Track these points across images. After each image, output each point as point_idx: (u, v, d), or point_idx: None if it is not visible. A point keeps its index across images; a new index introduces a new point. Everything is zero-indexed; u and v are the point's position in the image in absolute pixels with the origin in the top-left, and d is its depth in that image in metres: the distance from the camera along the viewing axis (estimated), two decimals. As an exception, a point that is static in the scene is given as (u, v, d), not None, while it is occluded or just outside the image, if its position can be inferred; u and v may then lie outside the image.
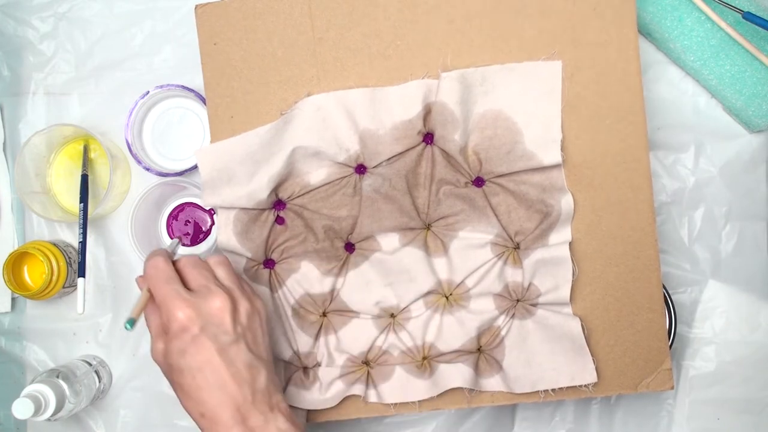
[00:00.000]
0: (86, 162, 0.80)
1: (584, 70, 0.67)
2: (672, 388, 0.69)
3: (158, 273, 0.59)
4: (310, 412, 0.71)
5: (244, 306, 0.59)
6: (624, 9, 0.67)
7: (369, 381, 0.69)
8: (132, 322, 0.57)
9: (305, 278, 0.70)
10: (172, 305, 0.57)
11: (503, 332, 0.69)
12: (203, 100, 0.77)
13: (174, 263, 0.61)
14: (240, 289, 0.61)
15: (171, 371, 0.58)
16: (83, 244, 0.76)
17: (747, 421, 0.79)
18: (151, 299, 0.60)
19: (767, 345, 0.80)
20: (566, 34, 0.67)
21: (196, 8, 0.69)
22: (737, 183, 0.80)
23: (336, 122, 0.67)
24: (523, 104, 0.67)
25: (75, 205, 0.80)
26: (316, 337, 0.70)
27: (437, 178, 0.68)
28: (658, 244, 0.68)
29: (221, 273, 0.61)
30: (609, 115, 0.68)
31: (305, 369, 0.71)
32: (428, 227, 0.70)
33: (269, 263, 0.71)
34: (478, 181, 0.69)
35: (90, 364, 0.79)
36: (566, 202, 0.67)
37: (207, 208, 0.80)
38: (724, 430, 0.79)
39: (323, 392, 0.69)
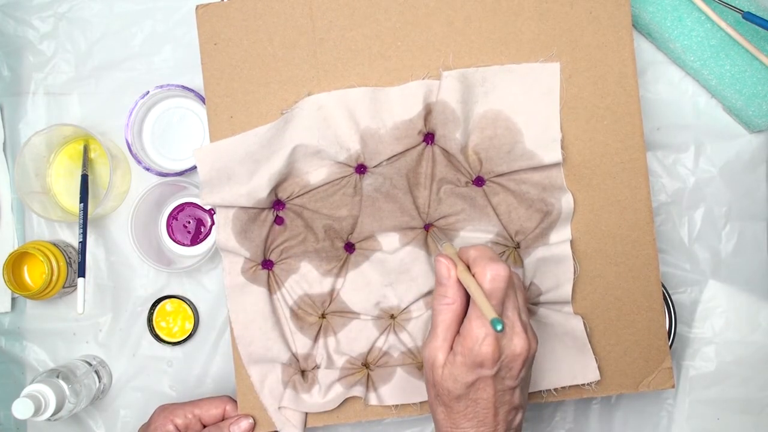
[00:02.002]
0: (86, 162, 0.80)
1: (582, 71, 0.68)
2: (672, 386, 0.69)
3: (502, 288, 0.55)
4: (309, 416, 0.71)
5: (533, 350, 0.57)
6: (619, 12, 0.68)
7: (369, 383, 0.69)
8: (501, 323, 0.51)
9: (304, 279, 0.70)
10: (482, 334, 0.54)
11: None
12: (203, 100, 0.77)
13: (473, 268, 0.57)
14: (531, 329, 0.58)
15: (442, 385, 0.57)
16: (83, 244, 0.76)
17: (747, 421, 0.79)
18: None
19: (767, 345, 0.80)
20: (564, 36, 0.68)
21: (196, 8, 0.69)
22: (737, 183, 0.80)
23: (337, 121, 0.67)
24: (522, 105, 0.67)
25: (75, 205, 0.80)
26: (315, 339, 0.70)
27: (438, 177, 0.69)
28: (656, 244, 0.69)
29: (521, 302, 0.58)
30: (606, 116, 0.68)
31: (303, 372, 0.70)
32: (429, 227, 0.70)
33: (268, 264, 0.71)
34: (479, 181, 0.69)
35: (90, 364, 0.79)
36: (566, 201, 0.67)
37: (206, 208, 0.80)
38: (724, 430, 0.80)
39: (322, 395, 0.69)
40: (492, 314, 0.51)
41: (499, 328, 0.50)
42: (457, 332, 0.57)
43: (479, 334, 0.54)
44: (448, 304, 0.57)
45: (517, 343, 0.56)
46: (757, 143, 0.80)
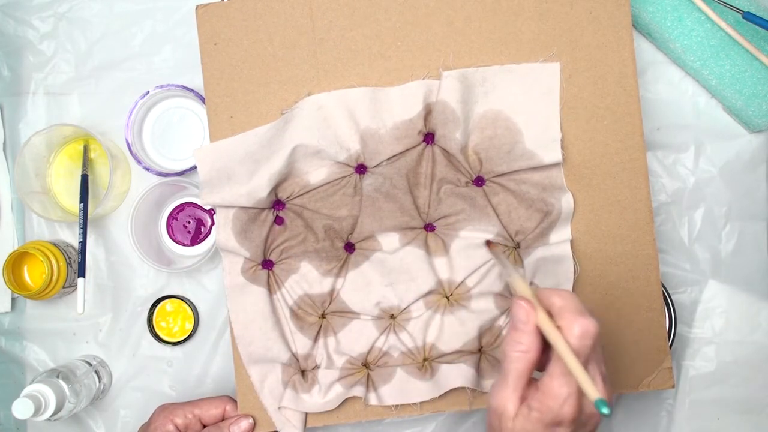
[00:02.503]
0: (86, 162, 0.80)
1: (582, 71, 0.68)
2: (673, 386, 0.69)
3: (590, 346, 0.50)
4: (309, 416, 0.71)
5: (611, 403, 0.52)
6: (619, 13, 0.68)
7: (369, 383, 0.69)
8: (607, 405, 0.47)
9: (304, 279, 0.70)
10: (565, 394, 0.50)
11: (504, 332, 0.69)
12: (203, 100, 0.77)
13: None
14: (608, 379, 0.54)
15: None
16: (83, 244, 0.76)
17: (747, 421, 0.79)
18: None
19: (767, 345, 0.80)
20: (564, 36, 0.68)
21: (196, 8, 0.69)
22: (737, 183, 0.80)
23: (337, 121, 0.67)
24: (522, 105, 0.67)
25: (75, 205, 0.80)
26: (315, 339, 0.70)
27: (438, 177, 0.69)
28: (656, 244, 0.69)
29: (600, 352, 0.53)
30: (606, 116, 0.68)
31: (303, 372, 0.70)
32: (429, 227, 0.70)
33: (268, 264, 0.71)
34: (479, 181, 0.69)
35: (90, 364, 0.79)
36: (566, 201, 0.68)
37: (206, 208, 0.80)
38: (724, 430, 0.80)
39: (322, 395, 0.69)
40: (596, 394, 0.47)
41: (605, 411, 0.46)
42: (528, 381, 0.53)
43: (561, 393, 0.50)
44: (523, 351, 0.52)
45: (594, 405, 0.50)
46: (757, 143, 0.80)
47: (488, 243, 0.68)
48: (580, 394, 0.51)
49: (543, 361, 0.54)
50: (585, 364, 0.50)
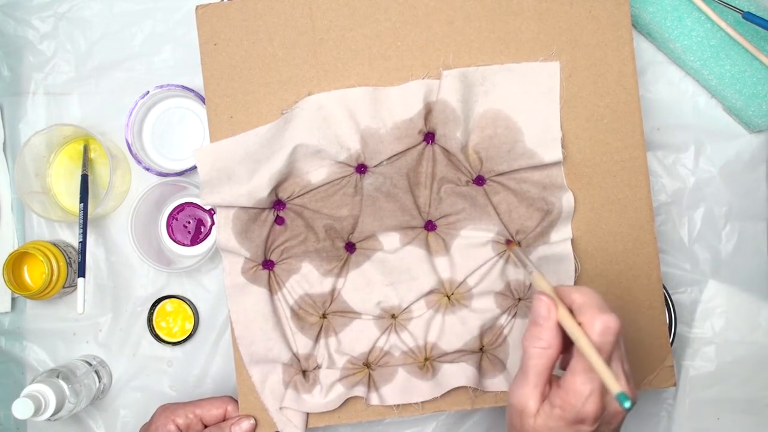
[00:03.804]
0: (86, 162, 0.80)
1: (581, 70, 0.68)
2: (674, 385, 0.69)
3: (612, 342, 0.50)
4: (310, 416, 0.71)
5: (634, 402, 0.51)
6: (619, 12, 0.68)
7: (370, 383, 0.69)
8: (629, 399, 0.46)
9: (305, 279, 0.70)
10: (588, 391, 0.50)
11: (506, 331, 0.69)
12: (203, 100, 0.77)
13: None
14: (632, 377, 0.53)
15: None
16: (83, 244, 0.76)
17: (747, 421, 0.79)
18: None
19: (767, 345, 0.80)
20: (563, 35, 0.68)
21: (196, 9, 0.69)
22: (737, 183, 0.80)
23: (337, 121, 0.67)
24: (522, 104, 0.68)
25: (75, 205, 0.80)
26: (316, 339, 0.70)
27: (438, 176, 0.69)
28: (657, 242, 0.69)
29: (623, 350, 0.53)
30: (606, 115, 0.68)
31: (305, 372, 0.70)
32: (429, 226, 0.70)
33: (268, 264, 0.71)
34: (479, 180, 0.69)
35: (90, 364, 0.79)
36: (567, 199, 0.68)
37: (206, 208, 0.80)
38: (724, 430, 0.80)
39: (324, 395, 0.69)
40: (617, 388, 0.46)
41: (627, 405, 0.46)
42: (550, 378, 0.53)
43: (584, 390, 0.50)
44: (544, 348, 0.52)
45: (617, 402, 0.50)
46: (757, 143, 0.80)
47: (508, 242, 0.68)
48: (603, 391, 0.50)
49: (565, 359, 0.54)
50: (607, 361, 0.50)
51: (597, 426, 0.51)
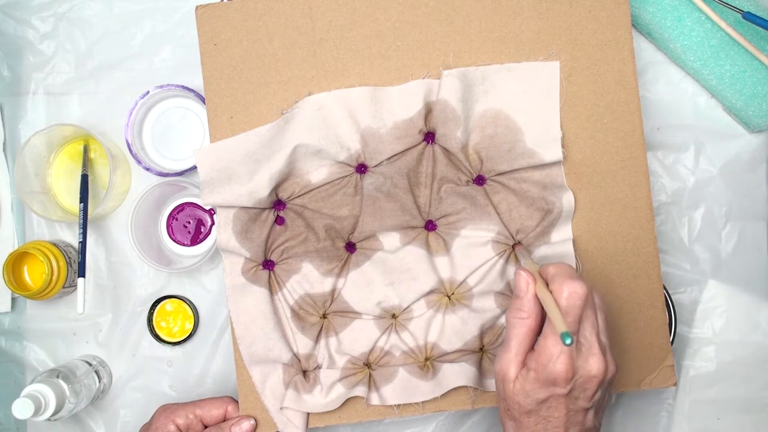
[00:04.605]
0: (86, 162, 0.80)
1: (581, 70, 0.68)
2: (675, 384, 0.69)
3: (578, 306, 0.54)
4: (310, 416, 0.71)
5: (610, 373, 0.57)
6: (618, 11, 0.68)
7: (371, 383, 0.69)
8: (570, 336, 0.51)
9: (305, 279, 0.70)
10: (557, 351, 0.54)
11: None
12: (203, 100, 0.77)
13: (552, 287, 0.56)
14: (611, 350, 0.57)
15: (513, 399, 0.57)
16: (83, 244, 0.76)
17: (747, 421, 0.79)
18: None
19: (767, 345, 0.80)
20: (563, 35, 0.68)
21: (196, 9, 0.69)
22: (737, 183, 0.80)
23: (337, 121, 0.67)
24: (522, 103, 0.68)
25: (75, 205, 0.80)
26: (317, 339, 0.70)
27: (438, 176, 0.69)
28: (657, 242, 0.69)
29: (601, 323, 0.57)
30: (606, 114, 0.68)
31: (305, 372, 0.70)
32: (430, 226, 0.70)
33: (269, 264, 0.71)
34: (480, 180, 0.69)
35: (90, 364, 0.79)
36: (567, 199, 0.68)
37: (207, 208, 0.80)
38: (724, 430, 0.80)
39: (324, 395, 0.69)
40: (563, 327, 0.51)
41: (568, 342, 0.50)
42: (530, 347, 0.57)
43: (554, 351, 0.54)
44: (523, 318, 0.57)
45: (593, 364, 0.55)
46: (757, 143, 0.80)
47: (514, 245, 0.69)
48: (574, 353, 0.54)
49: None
50: (575, 324, 0.54)
51: (571, 389, 0.55)
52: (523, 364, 0.56)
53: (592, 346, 0.55)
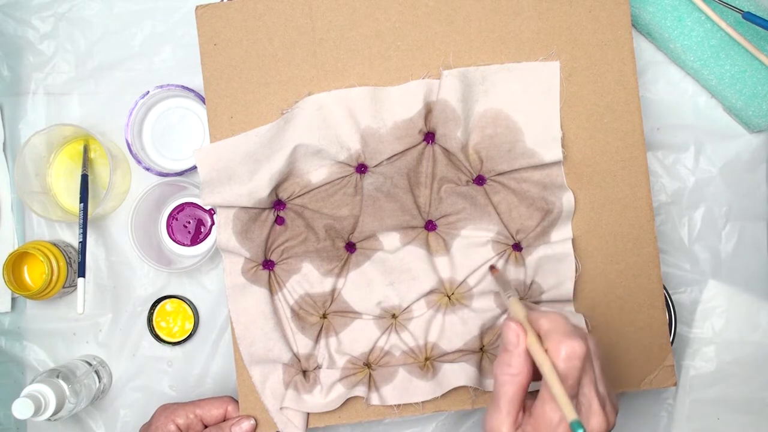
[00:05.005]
0: (86, 162, 0.80)
1: (581, 70, 0.68)
2: (675, 384, 0.69)
3: (578, 368, 0.50)
4: (310, 416, 0.71)
5: (611, 425, 0.52)
6: (618, 11, 0.68)
7: (371, 383, 0.69)
8: (582, 426, 0.47)
9: (306, 279, 0.70)
10: (557, 419, 0.50)
11: None
12: (203, 100, 0.77)
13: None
14: (610, 399, 0.53)
15: None
16: (83, 244, 0.76)
17: (747, 421, 0.79)
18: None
19: (767, 345, 0.80)
20: (563, 35, 0.68)
21: (196, 9, 0.69)
22: (737, 183, 0.80)
23: (337, 121, 0.67)
24: (522, 103, 0.68)
25: (75, 205, 0.80)
26: (317, 339, 0.70)
27: (438, 176, 0.69)
28: (657, 242, 0.69)
29: (598, 372, 0.52)
30: (606, 114, 0.68)
31: (305, 372, 0.70)
32: (430, 226, 0.70)
33: (269, 264, 0.71)
34: (480, 180, 0.69)
35: (90, 364, 0.79)
36: (567, 199, 0.68)
37: (207, 208, 0.80)
38: (724, 430, 0.80)
39: (324, 395, 0.69)
40: (573, 415, 0.47)
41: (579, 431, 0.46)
42: (522, 404, 0.52)
43: (553, 418, 0.50)
44: (513, 375, 0.52)
45: (594, 424, 0.51)
46: (757, 143, 0.80)
47: (492, 268, 0.68)
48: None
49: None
50: (575, 386, 0.50)
51: None
52: (517, 424, 0.52)
53: (592, 404, 0.51)
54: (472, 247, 0.69)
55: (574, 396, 0.50)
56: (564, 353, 0.49)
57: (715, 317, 0.80)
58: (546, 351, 0.50)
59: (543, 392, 0.51)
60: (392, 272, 0.69)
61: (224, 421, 0.70)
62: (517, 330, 0.52)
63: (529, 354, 0.52)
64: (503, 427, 0.52)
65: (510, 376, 0.52)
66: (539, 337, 0.52)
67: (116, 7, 0.82)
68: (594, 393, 0.51)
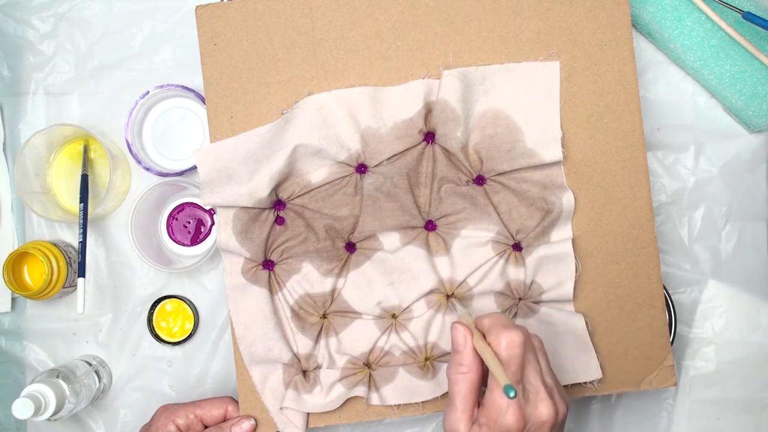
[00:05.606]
0: (86, 162, 0.80)
1: (581, 70, 0.68)
2: (674, 384, 0.69)
3: (518, 354, 0.53)
4: (310, 416, 0.71)
5: (561, 414, 0.55)
6: (618, 11, 0.68)
7: (371, 383, 0.69)
8: (513, 389, 0.50)
9: (306, 279, 0.70)
10: (506, 403, 0.53)
11: None
12: (203, 100, 0.77)
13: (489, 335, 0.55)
14: (559, 391, 0.56)
15: None
16: (83, 244, 0.76)
17: (747, 421, 0.79)
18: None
19: (767, 345, 0.80)
20: (563, 35, 0.68)
21: (196, 9, 0.69)
22: (737, 183, 0.80)
23: (337, 121, 0.67)
24: (522, 103, 0.68)
25: (75, 205, 0.80)
26: (317, 339, 0.70)
27: (438, 176, 0.69)
28: (657, 242, 0.69)
29: (544, 365, 0.56)
30: (606, 114, 0.68)
31: (305, 372, 0.70)
32: (430, 226, 0.70)
33: (269, 264, 0.71)
34: (480, 180, 0.69)
35: (90, 364, 0.79)
36: (567, 199, 0.68)
37: (207, 208, 0.80)
38: (724, 430, 0.80)
39: (324, 395, 0.69)
40: (504, 380, 0.50)
41: (512, 395, 0.49)
42: (477, 401, 0.55)
43: (502, 403, 0.53)
44: (464, 373, 0.55)
45: (542, 409, 0.54)
46: (757, 143, 0.80)
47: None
48: (522, 402, 0.53)
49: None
50: (518, 372, 0.53)
51: None
52: (473, 419, 0.55)
53: (539, 392, 0.54)
54: (472, 247, 0.69)
55: (518, 381, 0.53)
56: (504, 342, 0.53)
57: (715, 317, 0.80)
58: (489, 344, 0.54)
59: (491, 383, 0.54)
60: (392, 272, 0.69)
61: (224, 421, 0.70)
62: (464, 331, 0.56)
63: (476, 352, 0.55)
64: (461, 424, 0.55)
65: (462, 375, 0.55)
66: (483, 335, 0.56)
67: (116, 7, 0.82)
68: (540, 382, 0.54)
